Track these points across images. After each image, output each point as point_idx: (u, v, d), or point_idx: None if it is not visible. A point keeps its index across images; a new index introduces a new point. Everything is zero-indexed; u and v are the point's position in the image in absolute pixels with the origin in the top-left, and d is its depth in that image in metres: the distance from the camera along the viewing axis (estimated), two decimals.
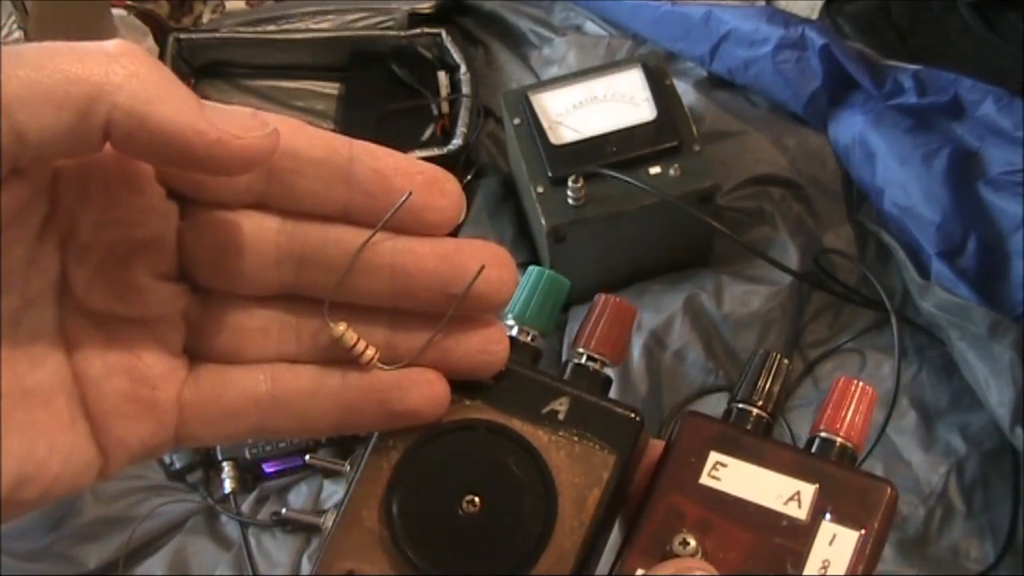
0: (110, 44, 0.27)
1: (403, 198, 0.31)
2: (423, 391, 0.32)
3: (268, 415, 0.32)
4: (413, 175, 0.31)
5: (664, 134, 0.93)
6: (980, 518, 0.86)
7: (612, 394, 0.35)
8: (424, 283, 0.31)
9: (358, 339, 0.32)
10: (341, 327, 0.32)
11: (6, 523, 0.29)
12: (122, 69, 0.27)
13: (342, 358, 0.32)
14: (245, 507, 0.92)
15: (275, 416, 0.32)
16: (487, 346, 0.32)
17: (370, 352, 0.32)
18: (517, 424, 0.33)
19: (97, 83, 0.26)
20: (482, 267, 0.31)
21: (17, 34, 0.94)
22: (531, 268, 0.36)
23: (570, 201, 0.91)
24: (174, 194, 0.31)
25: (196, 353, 0.32)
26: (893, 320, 0.88)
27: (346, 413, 0.32)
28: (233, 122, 0.28)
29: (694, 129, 0.95)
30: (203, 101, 0.28)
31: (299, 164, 0.31)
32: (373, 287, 0.32)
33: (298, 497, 0.93)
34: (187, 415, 0.32)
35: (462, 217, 0.33)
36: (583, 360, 0.36)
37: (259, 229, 0.31)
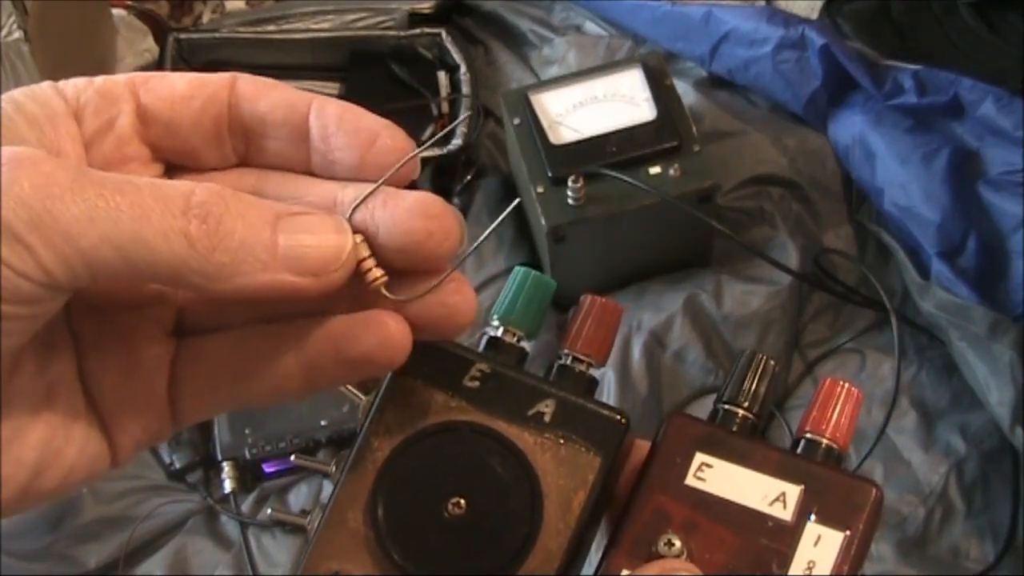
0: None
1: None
2: (375, 334, 0.30)
3: (240, 383, 0.32)
4: (357, 129, 0.31)
5: (664, 134, 0.93)
6: (980, 518, 0.86)
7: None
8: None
9: (371, 254, 0.30)
10: (358, 237, 0.30)
11: (22, 513, 0.29)
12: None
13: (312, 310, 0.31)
14: (245, 507, 0.92)
15: (247, 383, 0.31)
16: (443, 297, 0.31)
17: (378, 272, 0.30)
18: (502, 426, 0.33)
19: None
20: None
21: (17, 34, 0.94)
22: (516, 269, 0.36)
23: (570, 201, 0.91)
24: (169, 165, 0.32)
25: (179, 328, 0.32)
26: (893, 320, 0.87)
27: (310, 369, 0.31)
28: (308, 252, 0.29)
29: (694, 129, 0.94)
30: (285, 213, 0.29)
31: (266, 128, 0.32)
32: None
33: (298, 497, 0.93)
34: (173, 395, 0.32)
35: (409, 170, 0.31)
36: (569, 361, 0.36)
37: (237, 188, 0.32)
